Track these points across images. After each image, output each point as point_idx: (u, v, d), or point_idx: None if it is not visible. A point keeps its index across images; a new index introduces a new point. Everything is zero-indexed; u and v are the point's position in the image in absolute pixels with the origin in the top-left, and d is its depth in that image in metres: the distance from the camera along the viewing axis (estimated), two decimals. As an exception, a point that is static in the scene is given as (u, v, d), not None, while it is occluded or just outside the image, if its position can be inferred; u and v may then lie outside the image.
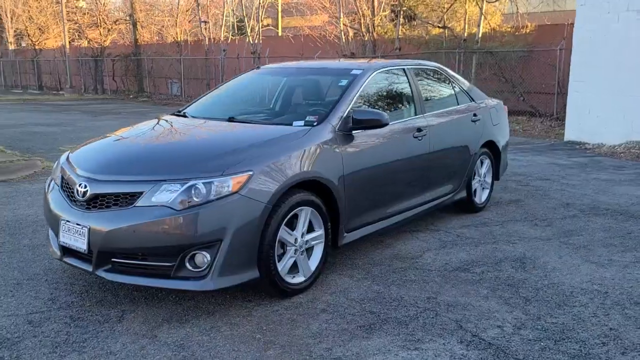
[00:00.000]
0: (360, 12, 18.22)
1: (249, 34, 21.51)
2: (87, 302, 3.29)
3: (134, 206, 2.99)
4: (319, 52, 19.11)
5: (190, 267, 2.99)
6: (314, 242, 3.50)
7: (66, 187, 3.38)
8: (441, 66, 5.34)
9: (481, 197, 5.49)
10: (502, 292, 3.52)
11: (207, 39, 23.40)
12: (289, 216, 3.27)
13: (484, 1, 15.03)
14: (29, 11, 31.43)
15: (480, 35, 15.16)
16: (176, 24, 26.57)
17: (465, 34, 16.08)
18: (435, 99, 4.98)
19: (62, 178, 3.48)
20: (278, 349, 2.77)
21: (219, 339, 2.86)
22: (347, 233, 3.81)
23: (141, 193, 3.00)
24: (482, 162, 5.45)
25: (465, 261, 4.06)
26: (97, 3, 27.88)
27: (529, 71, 13.77)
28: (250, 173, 3.08)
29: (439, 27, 17.06)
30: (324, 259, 3.59)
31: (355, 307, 3.27)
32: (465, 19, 16.31)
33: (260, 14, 21.47)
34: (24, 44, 34.41)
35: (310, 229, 3.50)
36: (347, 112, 3.83)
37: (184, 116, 4.35)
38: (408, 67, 4.74)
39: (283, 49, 21.08)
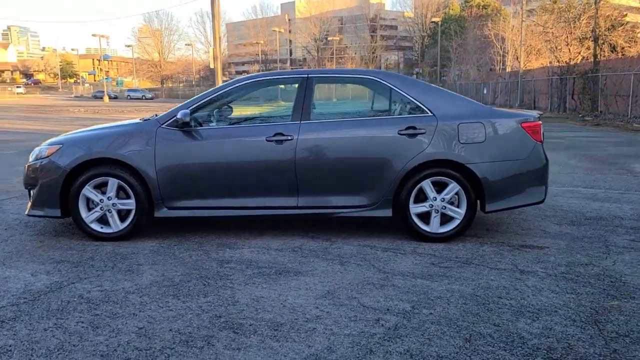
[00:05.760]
0: None
1: None
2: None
3: None
4: None
5: (30, 200, 4.89)
6: (123, 206, 4.66)
7: None
8: (391, 74, 4.78)
9: (437, 226, 4.57)
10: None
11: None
12: (93, 181, 4.62)
13: None
14: (519, 37, 34.19)
15: None
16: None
17: None
18: (340, 109, 4.70)
19: None
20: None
21: (17, 239, 4.71)
22: (169, 210, 4.67)
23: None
24: (441, 185, 4.55)
25: (229, 260, 4.20)
26: None
27: None
28: (60, 146, 4.69)
29: None
30: (135, 222, 4.65)
31: (93, 251, 4.39)
32: None
33: None
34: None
35: (129, 197, 4.70)
36: (184, 112, 4.64)
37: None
38: (314, 75, 4.75)
39: None
